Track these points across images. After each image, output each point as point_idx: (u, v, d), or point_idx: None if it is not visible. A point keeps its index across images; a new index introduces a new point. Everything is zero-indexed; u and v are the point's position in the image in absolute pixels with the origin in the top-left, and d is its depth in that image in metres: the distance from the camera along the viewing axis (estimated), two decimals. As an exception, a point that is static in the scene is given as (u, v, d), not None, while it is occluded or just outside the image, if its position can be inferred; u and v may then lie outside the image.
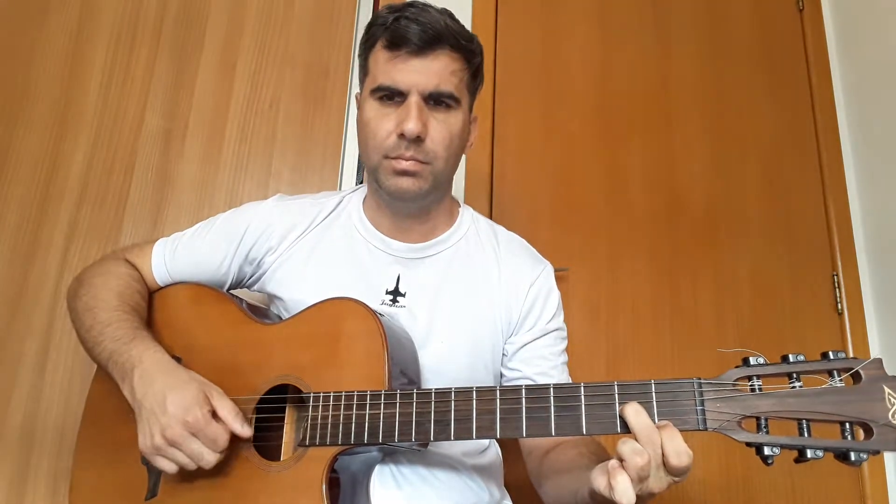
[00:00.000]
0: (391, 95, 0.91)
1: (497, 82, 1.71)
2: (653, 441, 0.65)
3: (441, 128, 0.91)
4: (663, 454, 0.65)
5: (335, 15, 1.67)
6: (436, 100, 0.91)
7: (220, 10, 1.65)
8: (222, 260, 1.03)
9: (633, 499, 0.64)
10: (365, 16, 1.68)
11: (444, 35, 0.89)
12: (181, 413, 0.80)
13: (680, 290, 1.64)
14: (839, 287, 1.69)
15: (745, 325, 1.64)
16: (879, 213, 1.70)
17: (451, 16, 0.94)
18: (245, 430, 0.82)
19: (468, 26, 1.70)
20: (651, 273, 1.64)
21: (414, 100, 0.89)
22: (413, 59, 0.89)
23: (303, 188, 1.56)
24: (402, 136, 0.89)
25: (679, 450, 0.65)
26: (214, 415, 0.81)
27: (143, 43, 1.61)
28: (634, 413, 0.67)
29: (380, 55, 0.92)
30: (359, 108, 0.98)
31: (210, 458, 0.80)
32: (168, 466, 0.82)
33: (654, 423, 0.67)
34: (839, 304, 1.68)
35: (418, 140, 0.89)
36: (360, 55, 0.98)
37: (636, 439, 0.66)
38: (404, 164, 0.91)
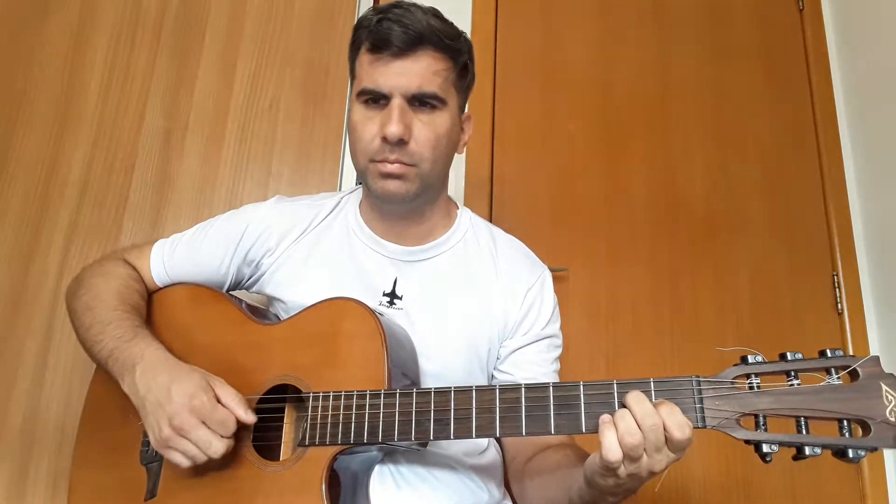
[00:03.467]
0: (375, 98, 0.90)
1: (497, 82, 1.71)
2: (654, 425, 0.66)
3: (426, 129, 0.91)
4: (665, 430, 0.66)
5: (335, 15, 1.67)
6: (420, 101, 0.90)
7: (220, 10, 1.65)
8: (221, 261, 1.04)
9: (619, 455, 0.66)
10: (365, 16, 1.68)
11: (427, 35, 0.88)
12: (186, 400, 0.80)
13: (680, 290, 1.64)
14: (839, 287, 1.69)
15: (744, 326, 1.63)
16: (879, 213, 1.70)
17: (436, 14, 0.93)
18: (249, 416, 0.82)
19: (468, 26, 1.71)
20: (651, 273, 1.64)
21: (396, 102, 0.89)
22: (395, 61, 0.88)
23: (303, 188, 1.56)
24: (385, 139, 0.89)
25: (680, 422, 0.66)
26: (219, 401, 0.82)
27: (143, 43, 1.62)
28: (636, 401, 0.68)
29: (364, 58, 0.91)
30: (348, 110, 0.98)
31: (219, 444, 0.79)
32: (179, 459, 0.81)
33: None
34: (839, 304, 1.67)
35: (402, 143, 0.89)
36: (348, 58, 0.98)
37: (638, 426, 0.66)
38: (389, 167, 0.90)
